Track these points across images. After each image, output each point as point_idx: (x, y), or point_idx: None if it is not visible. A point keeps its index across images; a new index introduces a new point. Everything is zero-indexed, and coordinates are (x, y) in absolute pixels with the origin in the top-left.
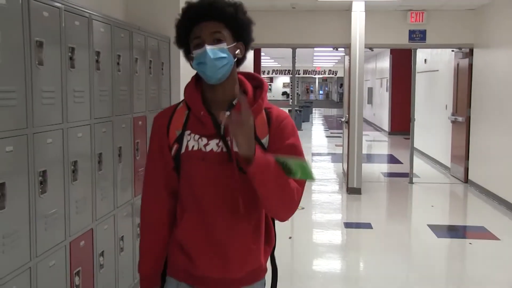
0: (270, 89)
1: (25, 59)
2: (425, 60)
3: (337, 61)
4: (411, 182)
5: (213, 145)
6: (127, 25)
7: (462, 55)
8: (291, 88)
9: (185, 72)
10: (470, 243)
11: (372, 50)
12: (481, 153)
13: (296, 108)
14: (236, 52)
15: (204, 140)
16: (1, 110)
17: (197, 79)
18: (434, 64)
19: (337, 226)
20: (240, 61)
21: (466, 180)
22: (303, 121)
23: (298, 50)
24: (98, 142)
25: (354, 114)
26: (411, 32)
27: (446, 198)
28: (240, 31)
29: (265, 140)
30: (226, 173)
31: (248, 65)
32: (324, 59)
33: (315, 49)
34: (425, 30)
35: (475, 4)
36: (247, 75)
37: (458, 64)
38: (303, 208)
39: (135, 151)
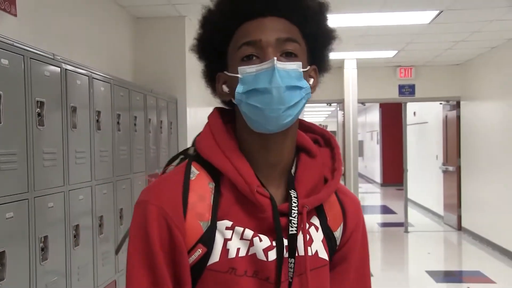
0: None
1: (27, 120)
2: (414, 112)
3: (327, 115)
4: (406, 231)
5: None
6: (141, 89)
7: (450, 107)
8: None
9: (192, 129)
10: (468, 287)
11: (364, 105)
12: (473, 201)
13: None
14: (310, 82)
15: (266, 241)
16: (2, 174)
17: (223, 122)
18: (423, 116)
19: None
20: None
21: (459, 227)
22: None
23: None
24: (99, 204)
25: (350, 167)
26: (401, 87)
27: (441, 245)
28: (320, 46)
29: (338, 233)
30: None
31: None
32: (315, 114)
33: (306, 104)
34: (414, 85)
35: (460, 59)
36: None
37: (446, 116)
38: None
39: None
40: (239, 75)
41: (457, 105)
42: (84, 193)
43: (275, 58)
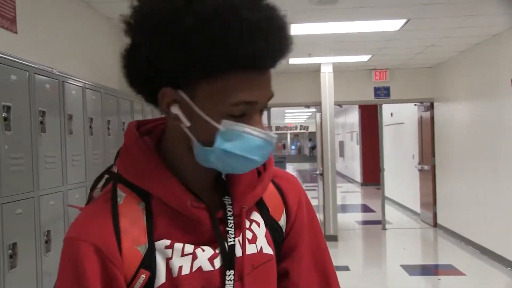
0: None
1: (32, 128)
2: (392, 113)
3: (308, 116)
4: (384, 228)
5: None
6: (128, 95)
7: (424, 108)
8: None
9: None
10: (439, 279)
11: (341, 107)
12: (447, 198)
13: None
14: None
15: (208, 250)
16: (12, 175)
17: (141, 136)
18: (399, 117)
19: None
20: None
21: (435, 224)
22: None
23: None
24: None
25: (328, 166)
26: (376, 89)
27: (418, 241)
28: None
29: (282, 221)
30: None
31: None
32: (295, 116)
33: (287, 107)
34: (389, 87)
35: (432, 62)
36: None
37: (421, 117)
38: None
39: None
40: (220, 127)
41: (431, 106)
42: (80, 193)
43: (275, 136)
